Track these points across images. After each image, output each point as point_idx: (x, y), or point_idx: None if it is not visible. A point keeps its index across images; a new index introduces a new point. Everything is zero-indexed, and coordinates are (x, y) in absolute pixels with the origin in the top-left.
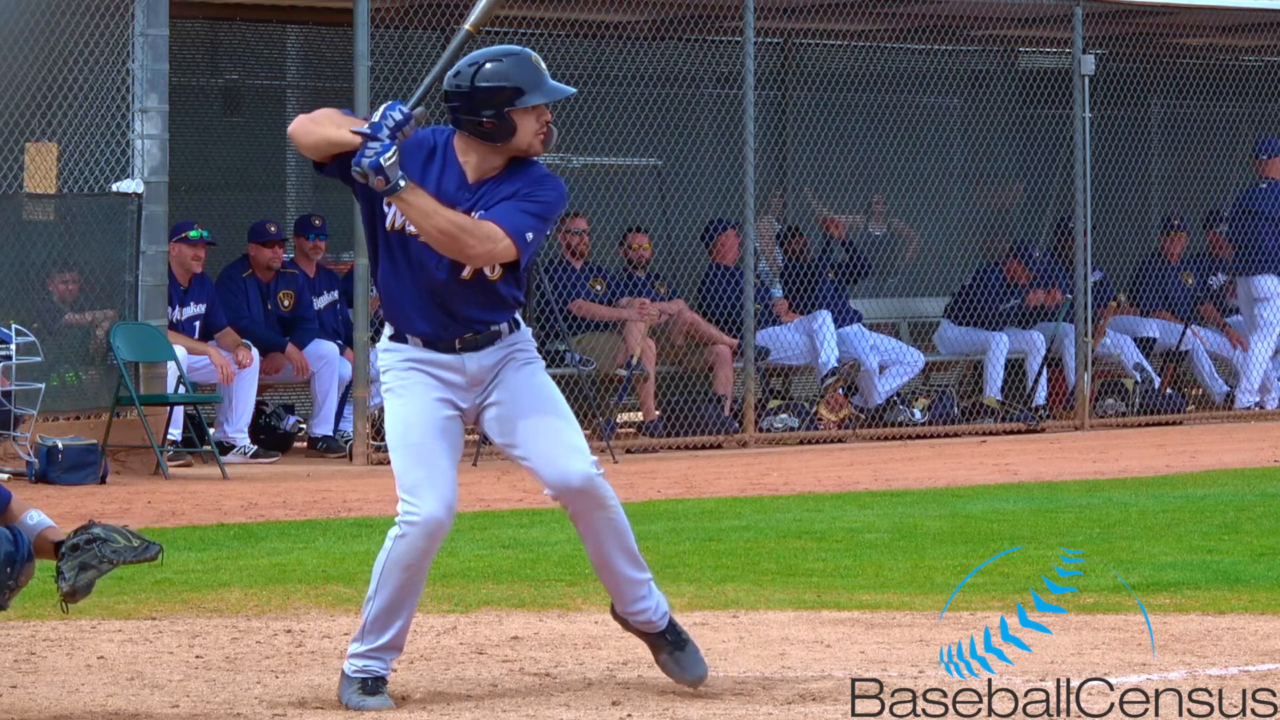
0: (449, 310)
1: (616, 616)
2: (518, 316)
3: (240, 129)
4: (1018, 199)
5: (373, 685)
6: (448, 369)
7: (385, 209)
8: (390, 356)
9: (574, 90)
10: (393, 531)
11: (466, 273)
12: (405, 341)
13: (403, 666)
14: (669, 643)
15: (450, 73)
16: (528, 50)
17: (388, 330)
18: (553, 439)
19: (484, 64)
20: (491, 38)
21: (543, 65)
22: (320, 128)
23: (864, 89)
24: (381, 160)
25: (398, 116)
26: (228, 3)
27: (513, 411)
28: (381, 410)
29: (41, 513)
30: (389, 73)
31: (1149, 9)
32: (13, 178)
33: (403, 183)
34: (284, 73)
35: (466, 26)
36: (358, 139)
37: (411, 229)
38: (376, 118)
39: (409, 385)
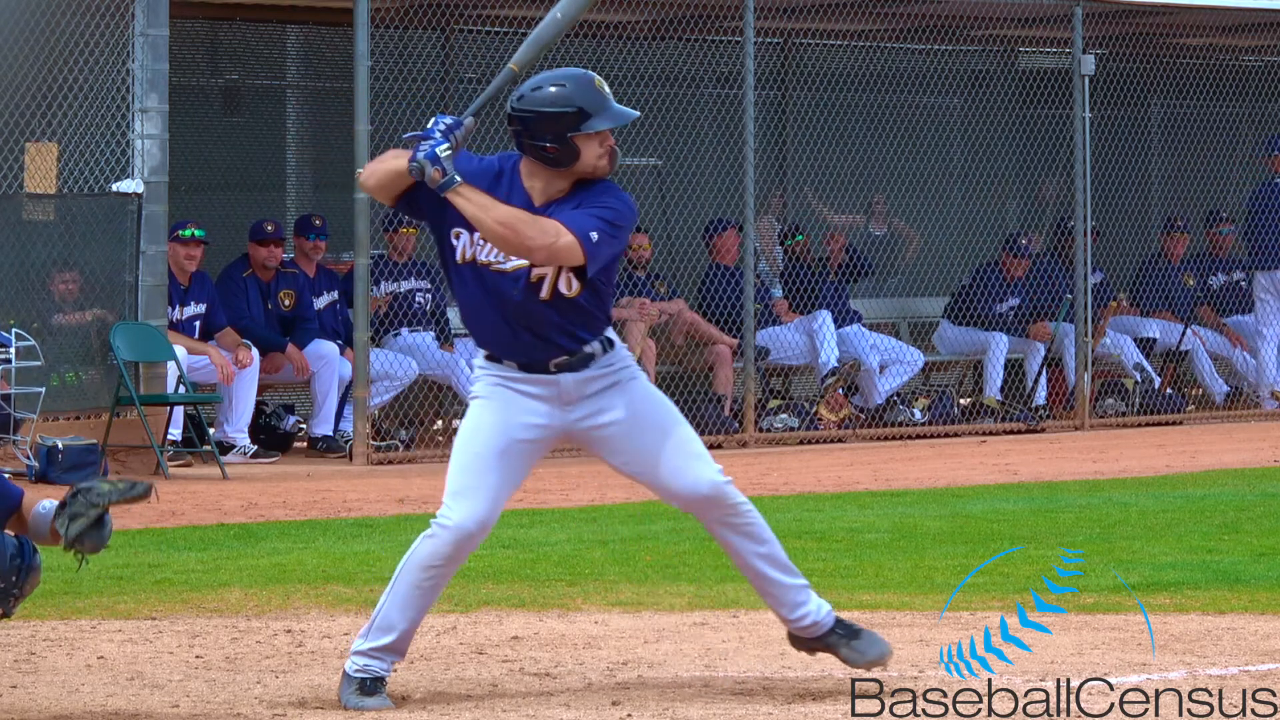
0: (536, 333)
1: (794, 640)
2: (611, 335)
3: (240, 129)
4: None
5: (371, 686)
6: (540, 385)
7: (454, 241)
8: (484, 371)
9: (638, 114)
10: (425, 531)
11: (544, 292)
12: (500, 363)
13: (403, 666)
14: (842, 636)
15: (514, 96)
16: (590, 73)
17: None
18: (676, 450)
19: (546, 88)
20: (492, 38)
21: (606, 88)
22: (383, 164)
23: (864, 89)
24: (437, 151)
25: (449, 120)
26: (228, 3)
27: (631, 430)
28: (382, 410)
29: (54, 502)
30: (389, 73)
31: (1149, 9)
32: (13, 178)
33: (459, 178)
34: (284, 73)
35: (511, 65)
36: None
37: (484, 258)
38: (429, 126)
39: (492, 398)
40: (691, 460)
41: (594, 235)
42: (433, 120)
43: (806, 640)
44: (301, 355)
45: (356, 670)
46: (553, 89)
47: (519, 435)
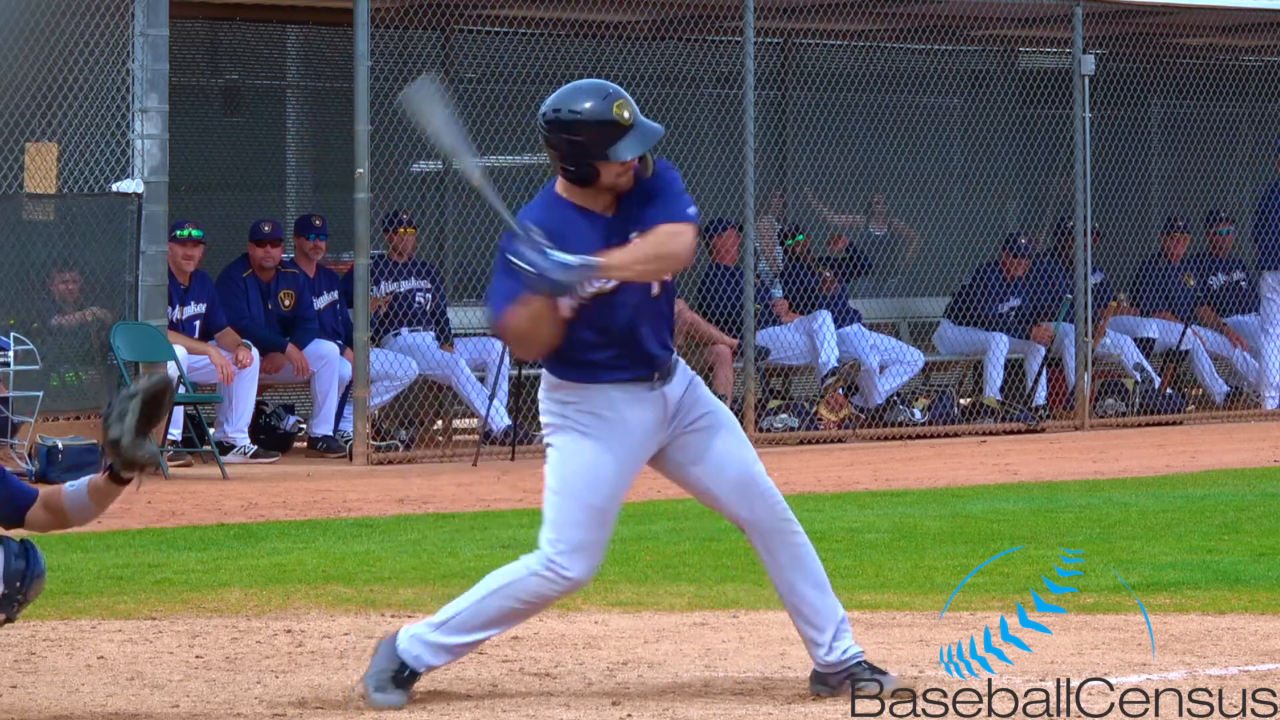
0: (657, 335)
1: (818, 679)
2: None
3: (240, 129)
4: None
5: (407, 678)
6: (648, 404)
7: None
8: (593, 396)
9: (663, 130)
10: (533, 564)
11: (655, 289)
12: (616, 383)
13: None
14: (867, 667)
15: (542, 110)
16: (619, 94)
17: (580, 374)
18: (745, 452)
19: (565, 111)
20: (492, 38)
21: (630, 107)
22: (524, 316)
23: (864, 89)
24: (555, 258)
25: (519, 229)
26: (228, 3)
27: (711, 430)
28: (382, 410)
29: (80, 478)
30: (389, 73)
31: (1149, 9)
32: (13, 178)
33: (597, 260)
34: (284, 73)
35: (465, 172)
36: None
37: (601, 285)
38: (511, 247)
39: (605, 437)
40: (755, 463)
41: (691, 210)
42: (509, 245)
43: (829, 677)
44: (301, 355)
45: (404, 650)
46: (572, 113)
47: (635, 473)
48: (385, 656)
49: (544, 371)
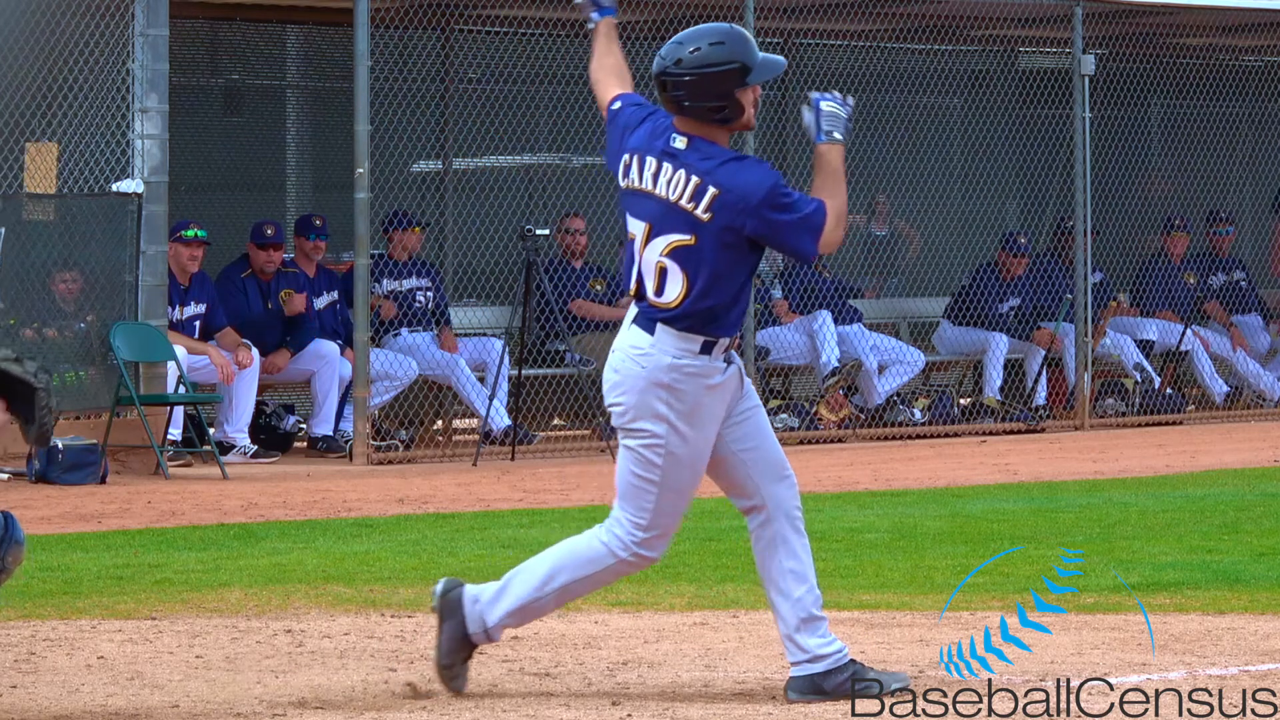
0: None
1: (796, 683)
2: None
3: (240, 129)
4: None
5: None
6: (727, 376)
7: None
8: (695, 375)
9: (785, 62)
10: (617, 549)
11: None
12: (711, 352)
13: (402, 666)
14: (860, 666)
15: (666, 60)
16: (739, 28)
17: (688, 341)
18: (770, 431)
19: (704, 47)
20: (492, 38)
21: (752, 38)
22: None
23: (864, 89)
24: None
25: None
26: (228, 3)
27: (759, 418)
28: (382, 410)
29: None
30: (389, 73)
31: (1149, 9)
32: (13, 178)
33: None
34: (284, 73)
35: None
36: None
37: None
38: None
39: (707, 419)
40: (779, 448)
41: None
42: None
43: (812, 680)
44: (285, 353)
45: (479, 635)
46: (711, 47)
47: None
48: (457, 640)
49: (668, 354)
